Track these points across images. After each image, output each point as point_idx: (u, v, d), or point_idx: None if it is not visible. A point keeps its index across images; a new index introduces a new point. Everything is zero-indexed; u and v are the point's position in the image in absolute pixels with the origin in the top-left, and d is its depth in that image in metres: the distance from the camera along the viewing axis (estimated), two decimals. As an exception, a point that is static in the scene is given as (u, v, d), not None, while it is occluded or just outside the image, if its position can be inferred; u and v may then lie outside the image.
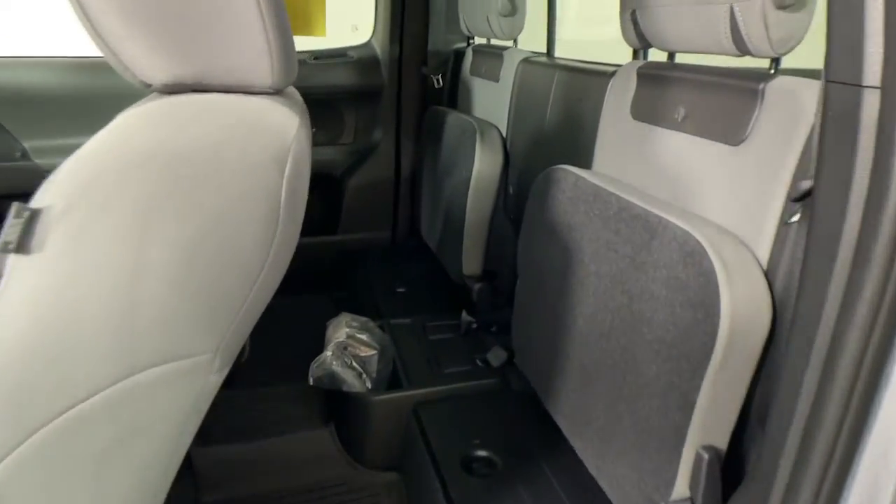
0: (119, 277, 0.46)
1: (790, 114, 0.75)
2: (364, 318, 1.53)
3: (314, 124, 2.23)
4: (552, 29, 1.58)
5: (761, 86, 0.78)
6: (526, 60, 1.54)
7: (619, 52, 1.18)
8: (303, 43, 2.29)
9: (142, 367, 0.47)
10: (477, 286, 1.69)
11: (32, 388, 0.43)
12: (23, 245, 0.44)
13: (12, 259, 0.45)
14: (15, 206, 0.45)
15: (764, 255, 0.77)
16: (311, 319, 1.97)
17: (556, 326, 1.09)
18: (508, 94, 1.59)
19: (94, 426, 0.46)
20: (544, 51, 1.65)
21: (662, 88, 0.97)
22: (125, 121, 0.52)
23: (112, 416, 0.47)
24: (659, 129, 0.97)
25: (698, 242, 0.76)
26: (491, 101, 1.72)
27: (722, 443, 0.78)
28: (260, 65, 0.57)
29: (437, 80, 2.10)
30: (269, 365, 1.59)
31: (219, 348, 0.53)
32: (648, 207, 0.86)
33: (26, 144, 1.89)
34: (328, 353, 1.38)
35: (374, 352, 1.40)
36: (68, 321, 0.44)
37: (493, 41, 1.79)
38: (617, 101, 1.10)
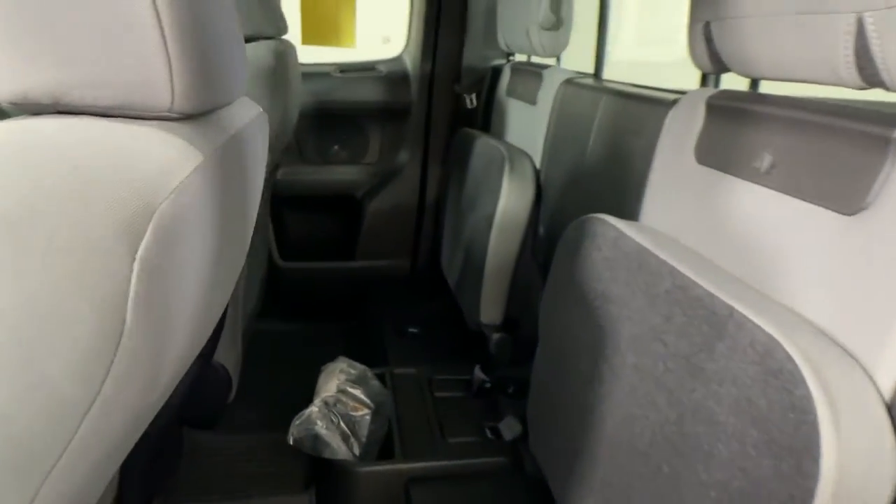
0: None
1: None
2: (362, 367, 1.34)
3: (336, 141, 2.08)
4: (602, 45, 1.36)
5: (895, 133, 0.54)
6: (568, 82, 1.32)
7: (687, 77, 0.95)
8: (330, 54, 2.15)
9: None
10: (495, 337, 1.46)
11: None
12: None
13: None
14: None
15: (889, 383, 0.53)
16: (313, 352, 1.80)
17: (580, 420, 0.86)
18: (546, 119, 1.38)
19: None
20: (591, 71, 1.43)
21: (741, 126, 0.74)
22: None
23: None
24: (734, 180, 0.74)
25: (789, 357, 0.52)
26: (526, 125, 1.50)
27: None
28: (153, 80, 0.39)
29: (471, 100, 1.90)
30: (256, 405, 1.41)
31: None
32: (716, 292, 0.63)
33: None
34: (314, 408, 1.18)
35: (366, 411, 1.19)
36: None
37: (535, 58, 1.58)
38: (677, 138, 0.87)
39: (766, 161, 0.69)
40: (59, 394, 0.31)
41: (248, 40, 1.12)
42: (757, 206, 0.69)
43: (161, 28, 0.37)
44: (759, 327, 0.56)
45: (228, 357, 1.09)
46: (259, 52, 1.14)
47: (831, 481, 0.48)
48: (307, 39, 1.88)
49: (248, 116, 0.59)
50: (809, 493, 0.49)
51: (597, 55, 1.36)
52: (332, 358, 1.41)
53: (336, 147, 2.04)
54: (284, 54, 1.31)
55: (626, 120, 1.06)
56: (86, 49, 0.37)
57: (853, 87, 0.57)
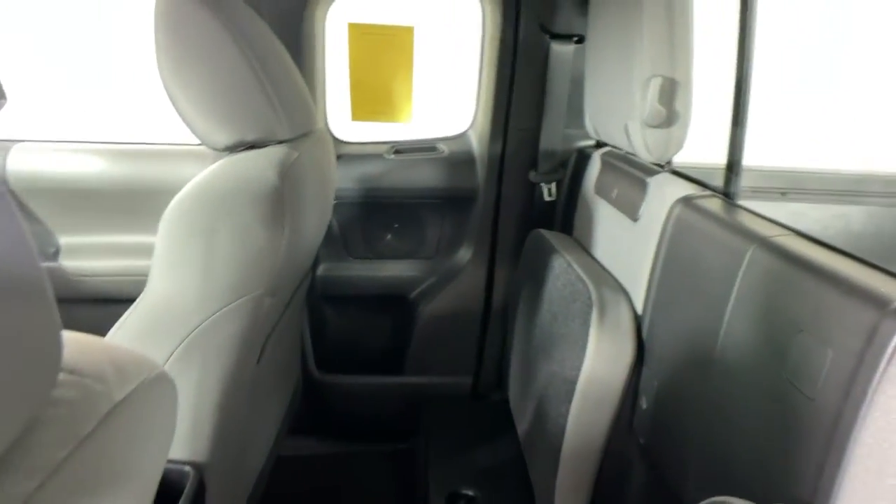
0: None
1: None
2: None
3: (388, 231, 1.78)
4: (737, 149, 0.95)
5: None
6: (688, 202, 0.93)
7: None
8: (385, 131, 1.87)
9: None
10: None
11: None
12: None
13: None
14: None
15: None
16: (353, 480, 1.51)
17: None
18: (653, 247, 0.98)
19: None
20: (720, 184, 1.01)
21: None
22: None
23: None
24: None
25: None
26: (624, 248, 1.11)
27: None
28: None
29: (549, 191, 1.53)
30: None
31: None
32: None
33: (62, 241, 1.64)
34: None
35: None
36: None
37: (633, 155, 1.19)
38: None
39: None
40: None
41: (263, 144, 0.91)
42: None
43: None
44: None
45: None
46: (258, 163, 0.86)
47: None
48: (358, 115, 1.62)
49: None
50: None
51: (729, 162, 0.95)
52: (372, 488, 1.12)
53: (388, 237, 1.74)
54: (296, 163, 1.00)
55: (798, 302, 0.65)
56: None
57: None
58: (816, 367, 0.60)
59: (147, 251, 1.06)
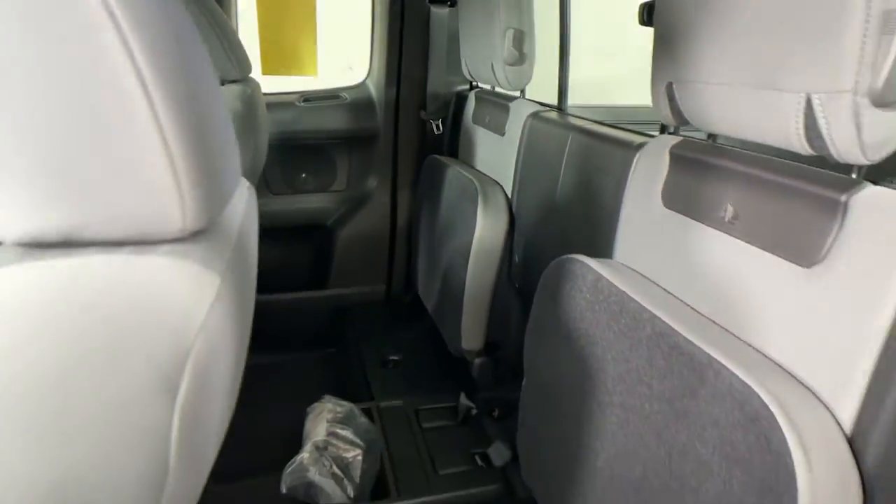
0: None
1: (886, 235, 0.57)
2: (348, 405, 1.35)
3: (303, 169, 2.08)
4: (564, 80, 1.42)
5: (844, 197, 0.61)
6: (535, 115, 1.37)
7: (640, 88, 1.00)
8: (293, 83, 2.14)
9: None
10: (477, 361, 1.50)
11: None
12: None
13: None
14: None
15: (848, 417, 0.59)
16: (294, 386, 1.79)
17: (572, 453, 0.90)
18: (515, 150, 1.42)
19: None
20: (555, 102, 1.48)
21: (703, 176, 0.80)
22: None
23: None
24: (700, 227, 0.80)
25: (764, 404, 0.58)
26: (495, 155, 1.55)
27: None
28: (163, 205, 0.39)
29: (437, 126, 1.94)
30: (244, 448, 1.41)
31: None
32: (694, 339, 0.68)
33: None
34: (305, 454, 1.19)
35: (357, 452, 1.21)
36: None
37: (498, 88, 1.63)
38: (645, 182, 0.93)
39: (728, 212, 0.75)
40: None
41: None
42: (723, 252, 0.75)
43: (170, 155, 0.37)
44: (735, 375, 0.61)
45: None
46: (226, 98, 1.15)
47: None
48: (268, 70, 1.88)
49: (242, 201, 0.60)
50: None
51: (560, 89, 1.41)
52: (314, 391, 1.42)
53: (304, 175, 2.04)
54: (252, 97, 1.32)
55: (594, 158, 1.11)
56: (98, 186, 0.37)
57: (804, 154, 0.64)
58: (612, 194, 1.06)
59: None
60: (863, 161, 0.59)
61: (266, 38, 1.98)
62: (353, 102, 1.99)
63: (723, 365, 0.63)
